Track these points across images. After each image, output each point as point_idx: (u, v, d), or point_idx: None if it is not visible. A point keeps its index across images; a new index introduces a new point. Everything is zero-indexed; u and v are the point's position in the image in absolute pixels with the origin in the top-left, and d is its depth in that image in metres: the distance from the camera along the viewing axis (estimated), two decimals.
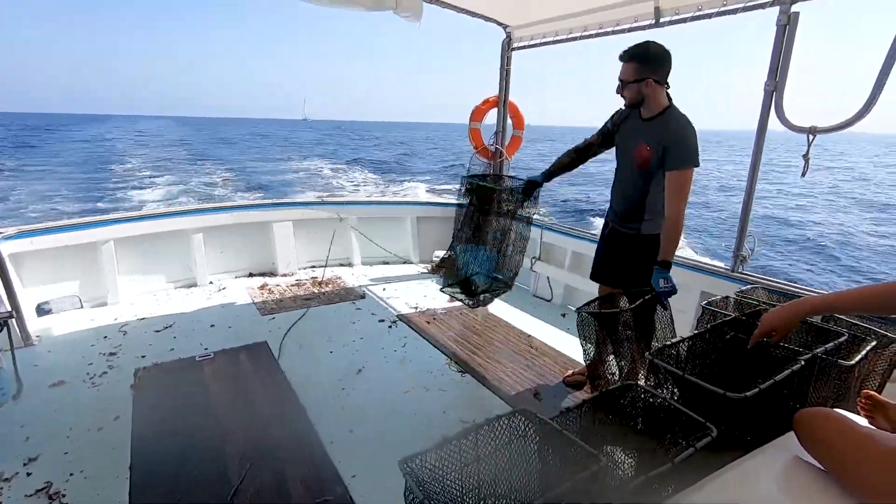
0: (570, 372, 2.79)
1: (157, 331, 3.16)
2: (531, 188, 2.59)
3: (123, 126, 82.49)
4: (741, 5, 2.69)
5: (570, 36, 3.84)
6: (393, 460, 1.08)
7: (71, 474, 1.86)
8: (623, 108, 2.30)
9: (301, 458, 1.97)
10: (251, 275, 4.36)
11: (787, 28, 2.46)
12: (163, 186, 19.70)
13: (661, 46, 2.09)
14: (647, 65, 2.07)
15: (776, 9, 2.50)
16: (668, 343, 1.61)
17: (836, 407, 1.65)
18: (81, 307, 3.50)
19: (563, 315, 3.78)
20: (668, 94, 2.16)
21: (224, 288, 4.01)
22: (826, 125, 2.35)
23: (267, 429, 2.17)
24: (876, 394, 1.52)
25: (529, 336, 3.31)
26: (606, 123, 2.39)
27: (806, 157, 2.45)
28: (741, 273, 2.81)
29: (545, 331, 3.43)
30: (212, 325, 3.26)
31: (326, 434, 2.13)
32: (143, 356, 2.80)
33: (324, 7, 3.18)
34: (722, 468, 1.21)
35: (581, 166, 2.57)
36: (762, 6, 2.60)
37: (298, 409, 2.32)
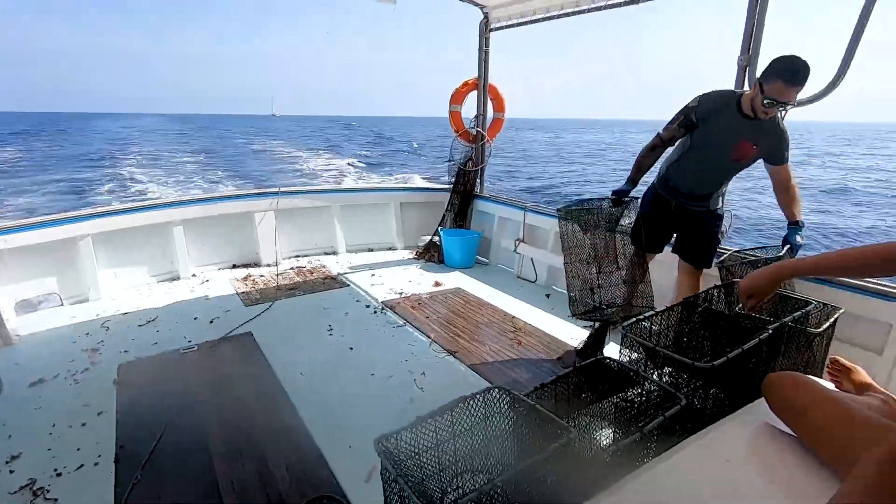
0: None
1: (140, 325, 3.13)
2: (620, 200, 2.51)
3: (112, 124, 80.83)
4: None
5: (547, 15, 3.82)
6: (375, 438, 1.09)
7: (55, 470, 1.86)
8: (703, 98, 2.29)
9: (285, 444, 1.99)
10: (235, 266, 4.33)
11: (758, 1, 2.47)
12: (150, 181, 19.33)
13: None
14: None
15: None
16: (642, 316, 1.64)
17: (812, 373, 1.70)
18: (62, 304, 3.46)
19: (548, 295, 3.82)
20: None
21: (207, 280, 3.98)
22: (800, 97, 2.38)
23: (251, 418, 2.18)
24: (841, 358, 1.57)
25: (514, 317, 3.34)
26: (690, 117, 2.32)
27: None
28: (720, 248, 2.85)
29: (530, 311, 3.46)
30: (195, 318, 3.24)
31: (311, 421, 2.15)
32: (125, 351, 2.79)
33: None
34: (692, 436, 1.25)
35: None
36: None
37: (283, 398, 2.33)
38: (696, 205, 2.51)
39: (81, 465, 1.89)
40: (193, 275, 4.07)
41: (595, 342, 2.71)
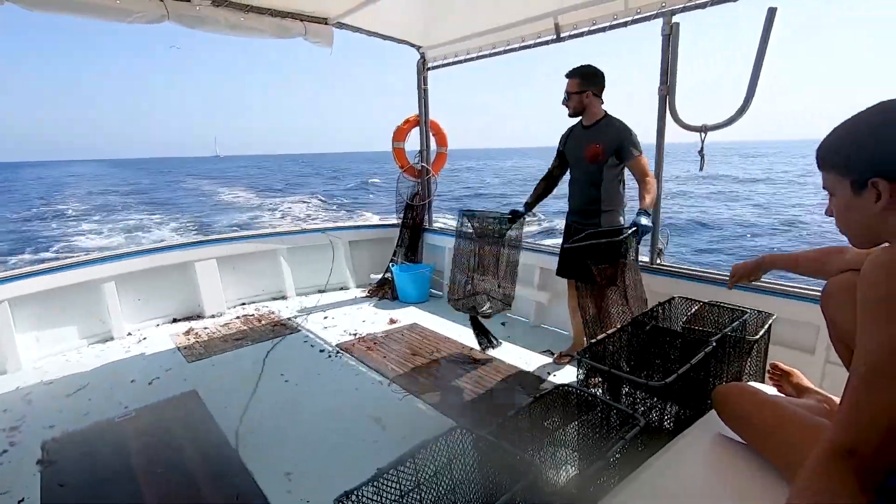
0: (558, 353, 3.15)
1: (68, 395, 2.85)
2: (515, 218, 2.98)
3: (49, 172, 75.92)
4: (630, 18, 2.92)
5: (480, 54, 3.99)
6: (335, 498, 1.03)
7: None
8: (563, 135, 2.89)
9: None
10: (175, 320, 4.07)
11: (670, 37, 2.69)
12: (78, 234, 18.05)
13: (596, 67, 2.65)
14: (587, 80, 2.64)
15: (660, 21, 2.73)
16: (595, 340, 1.67)
17: (755, 380, 1.78)
18: None
19: (503, 324, 3.84)
20: (603, 108, 2.70)
21: (145, 338, 3.72)
22: (714, 123, 2.59)
23: (200, 487, 2.00)
24: (780, 363, 1.66)
25: (471, 349, 3.33)
26: (558, 147, 2.92)
27: (701, 152, 2.66)
28: (659, 265, 2.99)
29: None
30: (132, 381, 3.00)
31: (267, 482, 2.01)
32: (51, 426, 2.52)
33: (227, 35, 3.09)
34: (651, 457, 1.26)
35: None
36: (647, 19, 2.82)
37: (234, 460, 2.17)
38: (588, 222, 2.73)
39: None
40: (129, 333, 3.79)
41: (480, 331, 3.19)
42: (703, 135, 2.63)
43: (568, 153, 2.85)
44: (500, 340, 3.30)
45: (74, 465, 2.19)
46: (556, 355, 3.15)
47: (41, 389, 2.94)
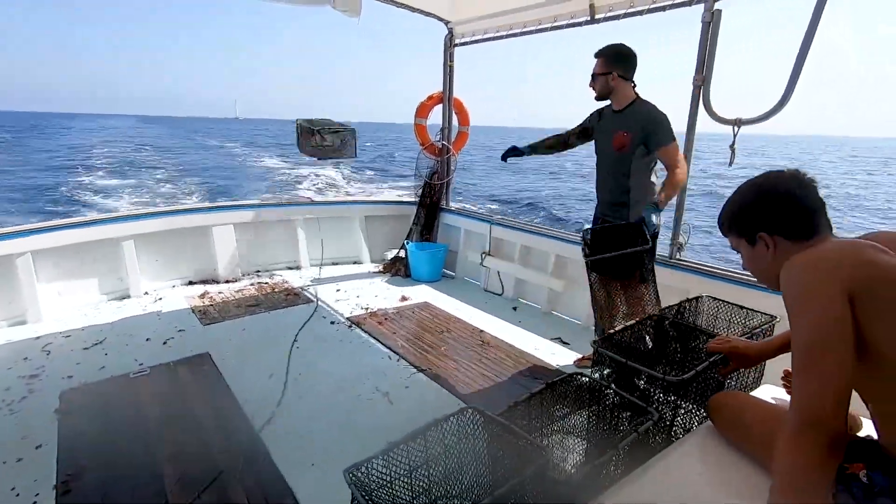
0: (581, 357, 2.96)
1: (86, 348, 2.93)
2: (512, 153, 2.89)
3: (88, 125, 77.15)
4: (669, 3, 2.81)
5: (510, 32, 3.88)
6: (345, 469, 1.04)
7: None
8: (595, 112, 2.67)
9: (247, 474, 1.88)
10: (191, 283, 4.13)
11: (710, 25, 2.58)
12: (104, 192, 18.27)
13: (627, 47, 2.46)
14: (614, 60, 2.44)
15: (701, 6, 2.62)
16: (613, 332, 1.65)
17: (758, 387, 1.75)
18: None
19: (515, 308, 3.83)
20: (635, 91, 2.49)
21: (161, 298, 3.78)
22: (749, 117, 2.50)
23: (209, 446, 2.05)
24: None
25: (482, 331, 3.33)
26: (585, 121, 2.75)
27: (732, 147, 2.58)
28: (678, 259, 2.94)
29: (497, 325, 3.46)
30: (147, 339, 3.06)
31: (275, 447, 2.05)
32: (69, 377, 2.59)
33: (259, 1, 3.05)
34: (653, 457, 1.25)
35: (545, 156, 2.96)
36: (688, 3, 2.71)
37: (244, 423, 2.21)
38: (616, 215, 2.58)
39: None
40: (146, 293, 3.86)
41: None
42: (735, 128, 2.54)
43: (597, 135, 2.68)
44: None
45: (90, 417, 2.25)
46: (577, 358, 2.94)
47: (60, 341, 3.02)
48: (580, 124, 2.77)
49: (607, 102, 2.60)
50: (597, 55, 2.51)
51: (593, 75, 2.52)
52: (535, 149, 2.89)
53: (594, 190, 2.76)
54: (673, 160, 2.39)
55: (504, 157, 2.94)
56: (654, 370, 1.38)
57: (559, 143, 2.85)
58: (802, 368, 0.92)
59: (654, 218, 2.30)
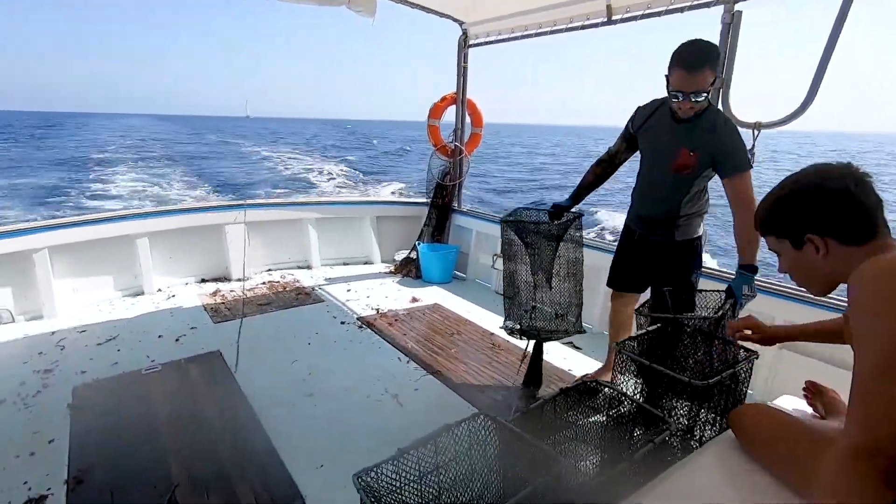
0: (591, 375, 2.60)
1: (99, 344, 2.96)
2: (558, 213, 2.36)
3: (106, 124, 78.91)
4: (687, 4, 2.76)
5: (525, 33, 3.86)
6: (354, 472, 1.02)
7: None
8: (640, 107, 2.19)
9: (255, 474, 1.88)
10: (203, 281, 4.16)
11: (731, 26, 2.53)
12: (128, 188, 18.54)
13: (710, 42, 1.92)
14: (716, 66, 1.87)
15: (721, 7, 2.57)
16: (633, 336, 1.62)
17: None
18: (13, 321, 3.24)
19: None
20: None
21: (173, 295, 3.81)
22: (770, 120, 2.44)
23: (218, 445, 2.05)
24: (815, 381, 1.57)
25: (492, 334, 3.30)
26: (627, 126, 2.25)
27: (752, 151, 2.52)
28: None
29: None
30: (160, 336, 3.08)
31: (283, 447, 2.04)
32: (82, 372, 2.61)
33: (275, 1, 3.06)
34: (670, 468, 1.22)
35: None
36: (707, 5, 2.66)
37: (253, 422, 2.21)
38: (659, 234, 2.20)
39: (28, 501, 1.73)
40: (159, 290, 3.89)
41: (534, 362, 2.57)
42: (755, 132, 2.49)
43: (645, 145, 2.18)
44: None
45: (102, 412, 2.27)
46: (587, 376, 2.61)
47: (74, 336, 3.05)
48: (623, 135, 2.28)
49: (658, 102, 2.13)
50: (701, 64, 1.81)
51: (697, 91, 1.84)
52: (577, 196, 2.40)
53: (629, 196, 2.36)
54: (746, 197, 1.89)
55: (551, 219, 2.39)
56: (676, 373, 1.35)
57: (606, 169, 2.38)
58: (874, 384, 0.81)
59: (745, 289, 1.83)
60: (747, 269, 1.87)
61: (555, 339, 2.54)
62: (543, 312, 2.46)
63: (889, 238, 0.99)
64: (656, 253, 2.24)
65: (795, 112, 2.33)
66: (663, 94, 2.02)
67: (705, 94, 1.87)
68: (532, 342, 2.53)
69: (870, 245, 0.97)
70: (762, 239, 1.19)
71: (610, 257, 2.55)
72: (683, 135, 2.01)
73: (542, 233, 2.32)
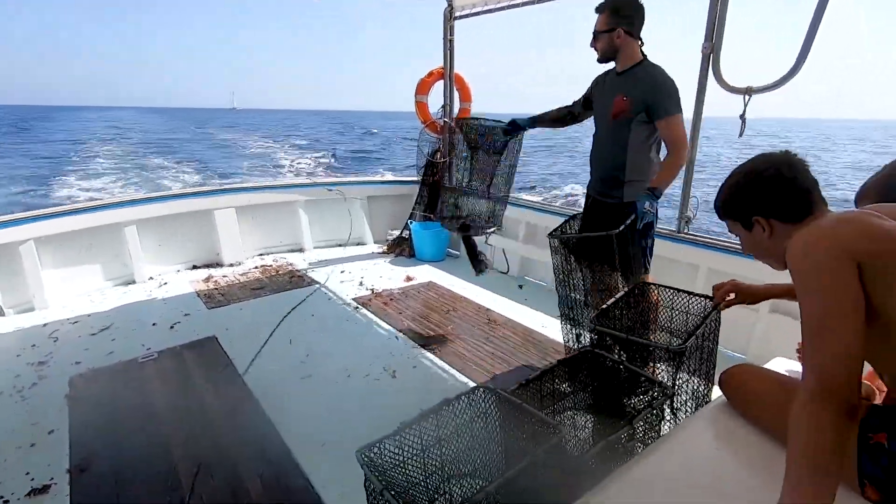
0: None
1: (93, 334, 2.93)
2: (514, 130, 2.59)
3: (93, 117, 77.23)
4: None
5: (513, 3, 3.77)
6: (356, 449, 1.03)
7: (2, 498, 1.71)
8: (599, 76, 2.34)
9: (257, 455, 1.89)
10: (195, 267, 4.12)
11: None
12: (111, 177, 18.18)
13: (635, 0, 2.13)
14: (619, 14, 2.11)
15: None
16: (606, 307, 1.63)
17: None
18: (3, 314, 3.20)
19: (521, 286, 3.81)
20: (642, 51, 2.16)
21: (166, 283, 3.78)
22: (761, 84, 2.42)
23: (219, 428, 2.06)
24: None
25: (488, 310, 3.32)
26: (589, 88, 2.39)
27: (742, 117, 2.51)
28: (686, 234, 2.90)
29: (503, 303, 3.44)
30: (154, 324, 3.06)
31: (285, 428, 2.05)
32: (77, 362, 2.60)
33: None
34: (664, 435, 1.24)
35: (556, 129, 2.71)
36: None
37: (252, 405, 2.22)
38: (610, 195, 2.27)
39: (32, 491, 1.73)
40: (150, 278, 3.85)
41: (470, 251, 3.18)
42: (746, 98, 2.47)
43: (595, 104, 2.35)
44: (490, 262, 3.36)
45: (100, 402, 2.26)
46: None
47: (67, 327, 3.02)
48: (582, 96, 2.44)
49: (612, 65, 2.26)
50: (599, 9, 2.16)
51: (595, 33, 2.18)
52: (536, 121, 2.57)
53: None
54: (675, 136, 2.07)
55: (504, 133, 2.62)
56: (652, 342, 1.37)
57: (566, 114, 2.54)
58: (815, 337, 0.93)
59: (646, 205, 2.00)
60: (653, 191, 2.08)
61: (482, 234, 3.06)
62: (476, 211, 2.90)
63: (827, 211, 1.10)
64: (608, 215, 2.26)
65: (785, 76, 2.32)
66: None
67: (600, 35, 2.15)
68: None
69: (807, 221, 1.08)
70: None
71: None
72: (620, 84, 2.19)
73: (491, 142, 2.71)
